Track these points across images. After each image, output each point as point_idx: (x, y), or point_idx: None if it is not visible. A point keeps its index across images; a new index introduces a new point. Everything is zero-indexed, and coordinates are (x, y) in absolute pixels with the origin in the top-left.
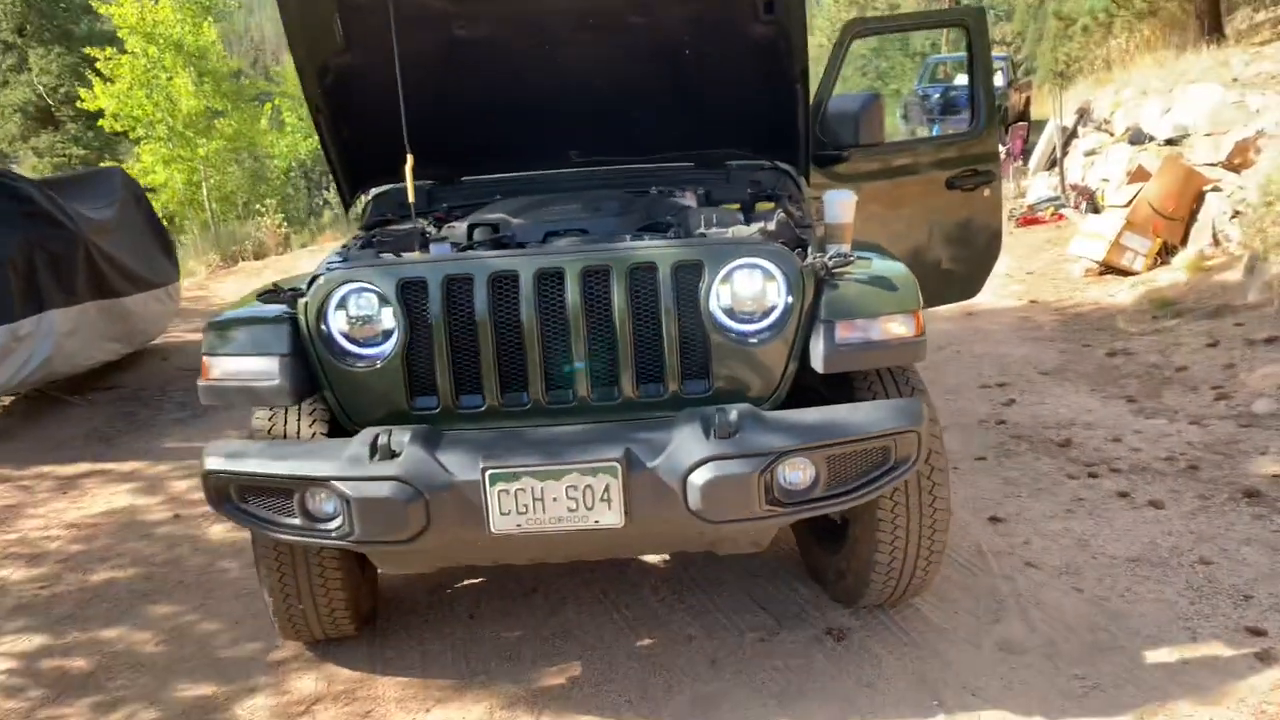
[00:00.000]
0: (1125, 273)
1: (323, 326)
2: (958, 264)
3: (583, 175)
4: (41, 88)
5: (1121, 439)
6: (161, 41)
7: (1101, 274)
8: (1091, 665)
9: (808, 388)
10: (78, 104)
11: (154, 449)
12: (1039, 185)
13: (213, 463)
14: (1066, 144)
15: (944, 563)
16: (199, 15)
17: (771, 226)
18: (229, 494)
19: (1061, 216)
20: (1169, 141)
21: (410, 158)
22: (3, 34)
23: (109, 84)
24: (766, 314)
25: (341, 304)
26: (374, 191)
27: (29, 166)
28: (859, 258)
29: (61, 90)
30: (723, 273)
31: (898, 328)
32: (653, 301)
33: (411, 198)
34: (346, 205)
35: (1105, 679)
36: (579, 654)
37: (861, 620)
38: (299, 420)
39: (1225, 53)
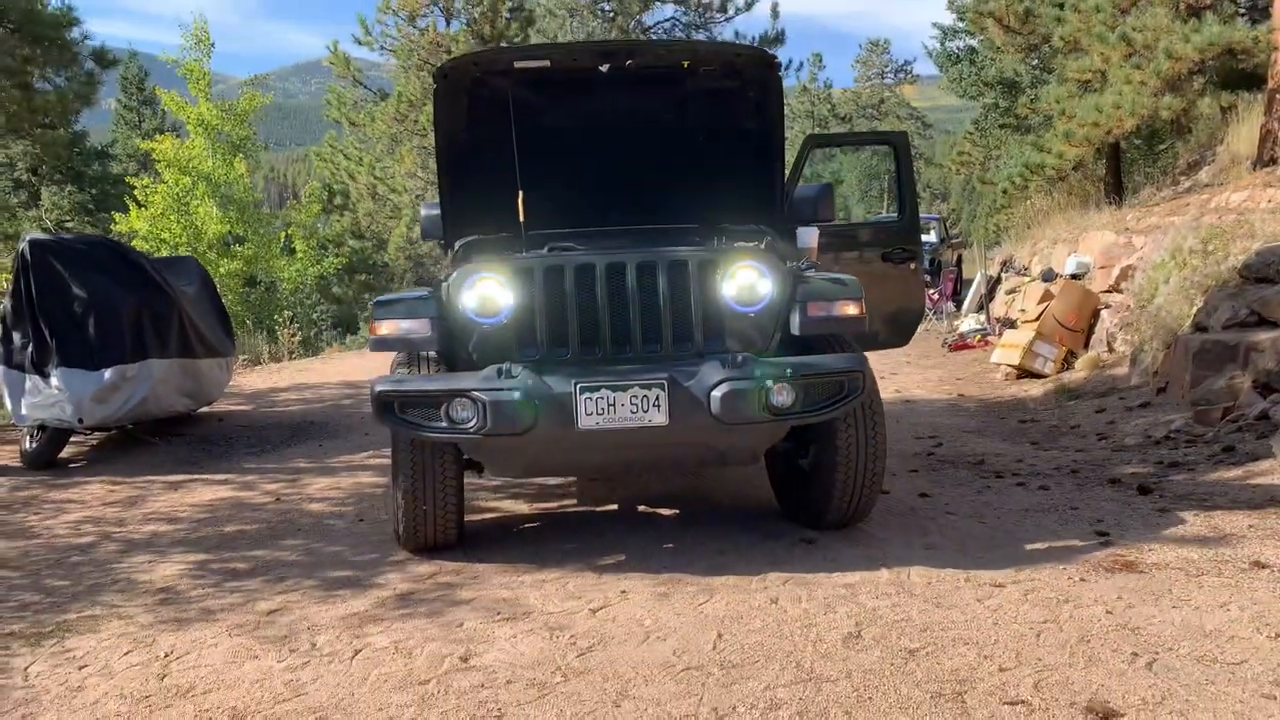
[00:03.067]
0: (1037, 375)
1: (459, 302)
2: (895, 318)
3: (616, 232)
4: (49, 223)
5: (1023, 460)
6: (194, 173)
7: (1018, 378)
8: (987, 552)
9: (790, 350)
10: (111, 227)
11: (237, 468)
12: (969, 322)
13: (383, 386)
14: (992, 290)
15: (883, 514)
16: (230, 152)
17: (763, 246)
18: (393, 408)
19: (988, 343)
20: (1074, 276)
21: (521, 193)
22: (18, 172)
23: (143, 209)
24: (760, 299)
25: (472, 286)
26: (465, 240)
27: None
28: (821, 271)
29: (69, 225)
30: (732, 270)
31: (849, 309)
32: (684, 287)
33: (522, 217)
34: (446, 249)
35: (996, 556)
36: (623, 550)
37: (826, 535)
38: (430, 366)
39: (1122, 212)
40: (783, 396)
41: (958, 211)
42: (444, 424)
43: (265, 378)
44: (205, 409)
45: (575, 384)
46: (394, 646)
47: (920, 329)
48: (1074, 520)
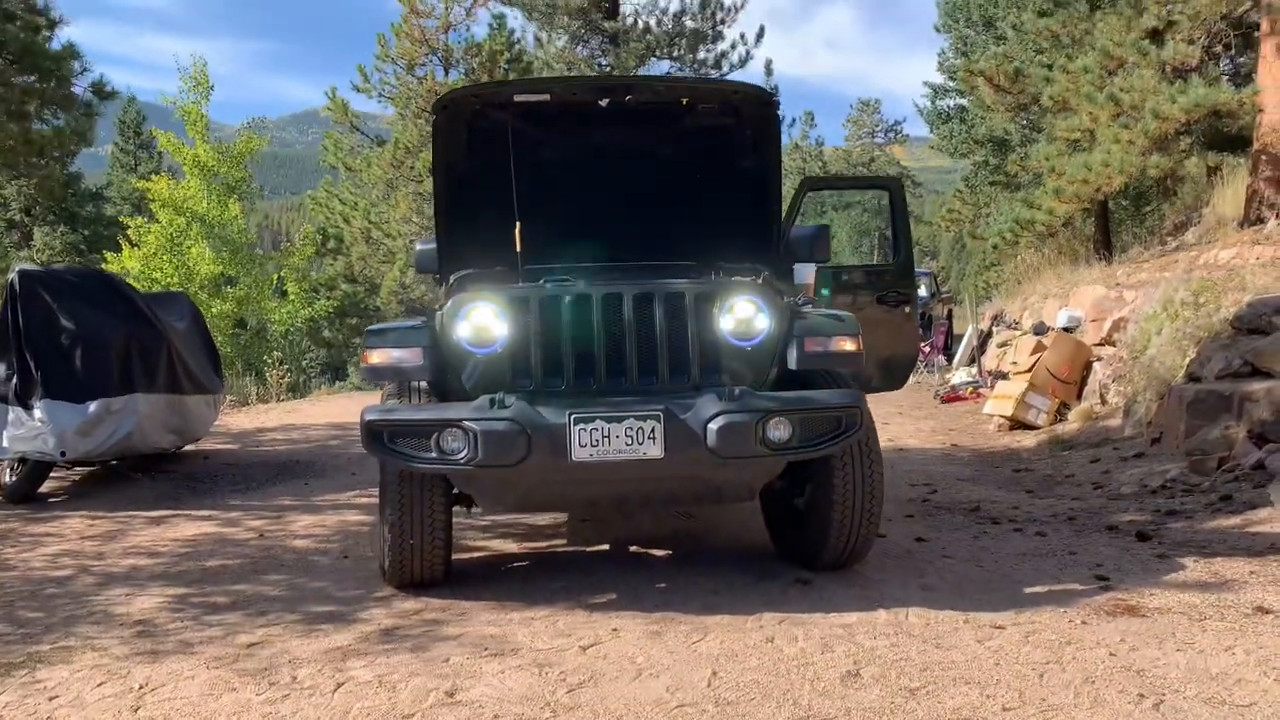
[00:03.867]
0: (1029, 427)
1: (453, 331)
2: (887, 361)
3: (615, 269)
4: (40, 262)
5: (1019, 507)
6: (189, 214)
7: (1011, 429)
8: (986, 595)
9: (787, 385)
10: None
11: (221, 504)
12: (960, 375)
13: (372, 414)
14: (983, 344)
15: (880, 557)
16: (225, 194)
17: (760, 281)
18: (382, 436)
19: (980, 395)
20: (1065, 329)
21: (518, 224)
22: (11, 213)
23: (135, 248)
24: (758, 333)
25: (466, 316)
26: (459, 274)
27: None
28: (817, 309)
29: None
30: (729, 304)
31: (846, 344)
32: (681, 319)
33: (519, 248)
34: (440, 282)
35: (995, 599)
36: (613, 590)
37: (821, 576)
38: (420, 397)
39: (1112, 269)
40: (780, 431)
41: (947, 269)
42: (434, 455)
43: (253, 418)
44: (191, 446)
45: (569, 414)
46: (377, 681)
47: (911, 380)
48: (1073, 565)
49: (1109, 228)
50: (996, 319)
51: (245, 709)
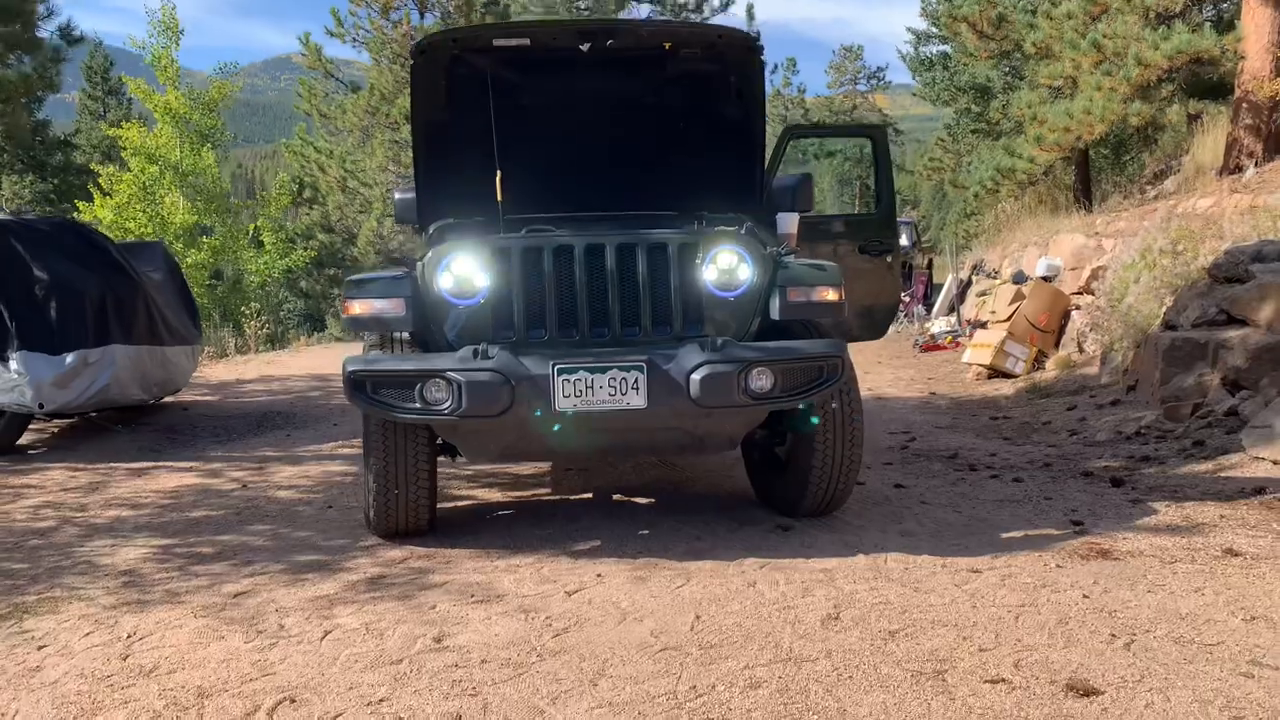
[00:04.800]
0: (1008, 375)
1: (435, 281)
2: (870, 310)
3: (592, 219)
4: (9, 211)
5: (996, 455)
6: (161, 162)
7: (989, 377)
8: (964, 540)
9: (770, 335)
10: (75, 214)
11: (202, 456)
12: (940, 324)
13: (354, 364)
14: (963, 293)
15: (859, 504)
16: (198, 142)
17: (743, 230)
18: (365, 387)
19: (959, 344)
20: (1044, 278)
21: (499, 173)
22: None
23: (108, 198)
24: (740, 284)
25: (448, 266)
26: (438, 224)
27: None
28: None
29: (29, 215)
30: (712, 254)
31: (829, 294)
32: (664, 270)
33: (500, 196)
34: (420, 232)
35: (972, 543)
36: (597, 536)
37: (802, 522)
38: (402, 347)
39: (1092, 216)
40: (762, 381)
41: (928, 218)
42: (418, 405)
43: (232, 369)
44: (170, 398)
45: (553, 365)
46: (365, 628)
47: (890, 330)
48: (1048, 510)
49: (1089, 176)
50: (976, 268)
51: (234, 656)
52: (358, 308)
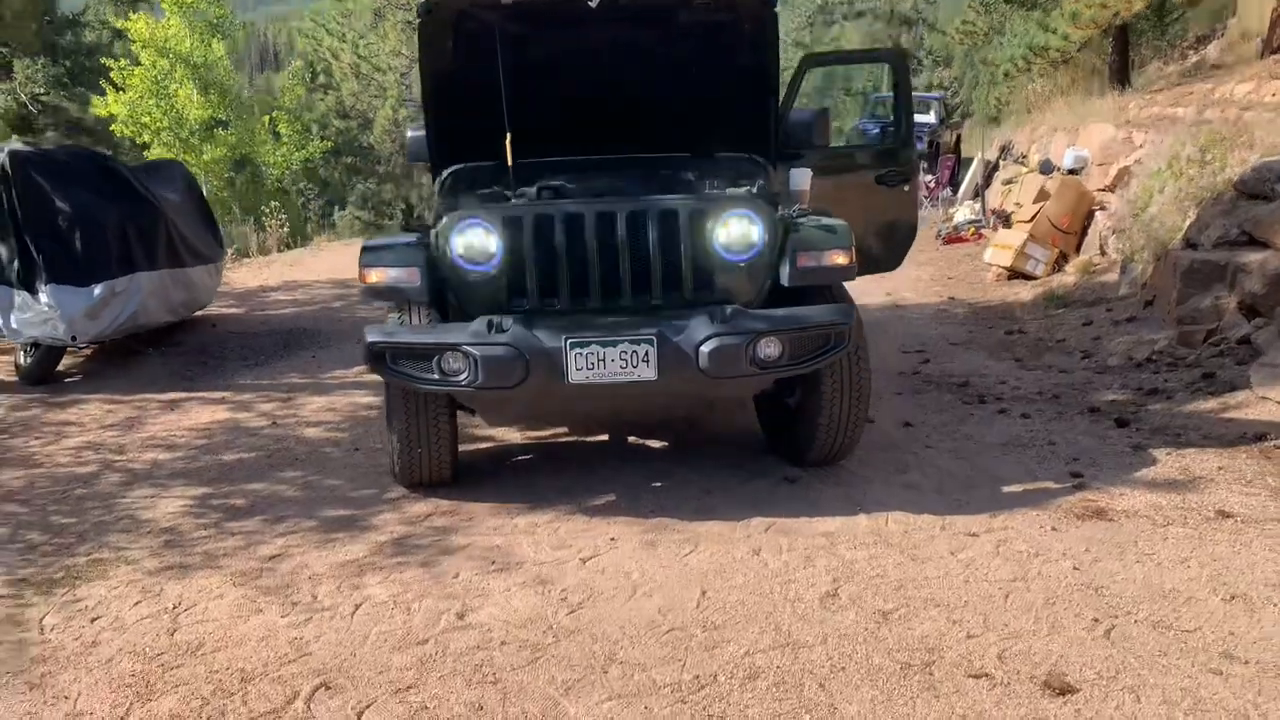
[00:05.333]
0: (1028, 277)
1: (448, 249)
2: (886, 242)
3: (608, 161)
4: (25, 96)
5: (1006, 382)
6: (171, 55)
7: (1010, 279)
8: (965, 494)
9: (780, 296)
10: (90, 110)
11: (232, 384)
12: (964, 211)
13: (374, 336)
14: (989, 176)
15: (866, 448)
16: (207, 33)
17: (754, 190)
18: (385, 358)
19: (981, 236)
20: (1071, 171)
21: (509, 135)
22: None
23: (121, 93)
24: (751, 248)
25: (461, 233)
26: (452, 168)
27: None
28: (812, 215)
29: (43, 99)
30: (723, 218)
31: (839, 258)
32: (674, 236)
33: (510, 160)
34: (435, 176)
35: (973, 499)
36: (611, 490)
37: (809, 473)
38: (421, 315)
39: (1125, 99)
40: (769, 349)
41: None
42: (436, 376)
43: (255, 273)
44: (199, 312)
45: (565, 339)
46: (392, 600)
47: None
48: (1050, 458)
49: (1128, 50)
50: (1004, 151)
51: (272, 634)
52: (374, 276)
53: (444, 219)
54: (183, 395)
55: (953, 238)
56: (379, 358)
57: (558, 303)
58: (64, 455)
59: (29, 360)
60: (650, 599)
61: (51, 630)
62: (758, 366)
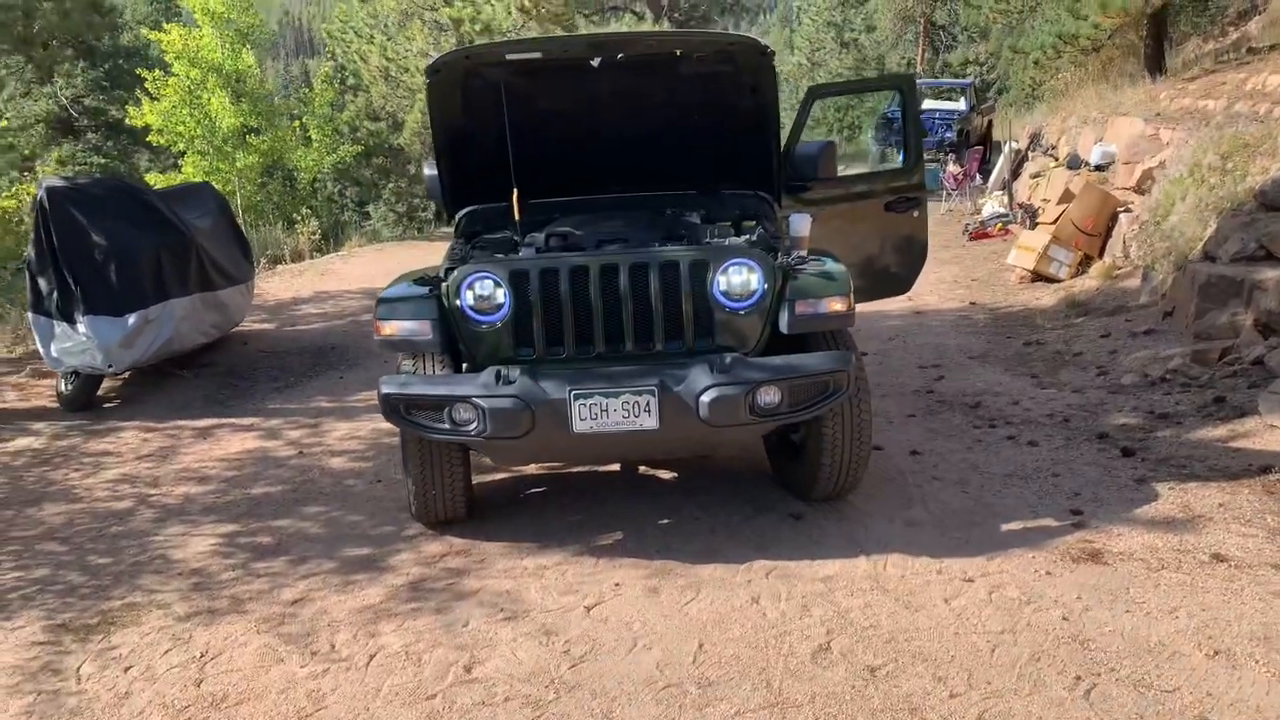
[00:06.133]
0: (1051, 280)
1: (458, 302)
2: (896, 267)
3: (617, 200)
4: (65, 100)
5: (1019, 403)
6: (203, 65)
7: (1033, 281)
8: (965, 532)
9: (780, 343)
10: (125, 119)
11: (262, 409)
12: (991, 204)
13: (389, 389)
14: (1018, 167)
15: (873, 479)
16: (237, 42)
17: (754, 238)
18: (399, 408)
19: (1009, 231)
20: (1098, 168)
21: (515, 190)
22: (32, 48)
23: (155, 102)
24: (750, 296)
25: (470, 286)
26: (467, 210)
27: (50, 174)
28: (813, 260)
29: (83, 102)
30: (722, 268)
31: (837, 305)
32: (676, 287)
33: (517, 215)
34: (450, 219)
35: (973, 538)
36: (620, 527)
37: (814, 508)
38: (433, 364)
39: (1157, 88)
40: (769, 398)
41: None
42: (447, 426)
43: (287, 284)
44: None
45: (569, 390)
46: (405, 651)
47: (943, 209)
48: (1053, 492)
49: (1161, 35)
50: (1033, 141)
51: (292, 684)
52: (388, 329)
53: (454, 272)
54: (215, 421)
55: (979, 233)
56: (394, 408)
57: (563, 351)
58: (102, 489)
59: (69, 388)
60: (649, 652)
61: (87, 680)
62: (758, 415)
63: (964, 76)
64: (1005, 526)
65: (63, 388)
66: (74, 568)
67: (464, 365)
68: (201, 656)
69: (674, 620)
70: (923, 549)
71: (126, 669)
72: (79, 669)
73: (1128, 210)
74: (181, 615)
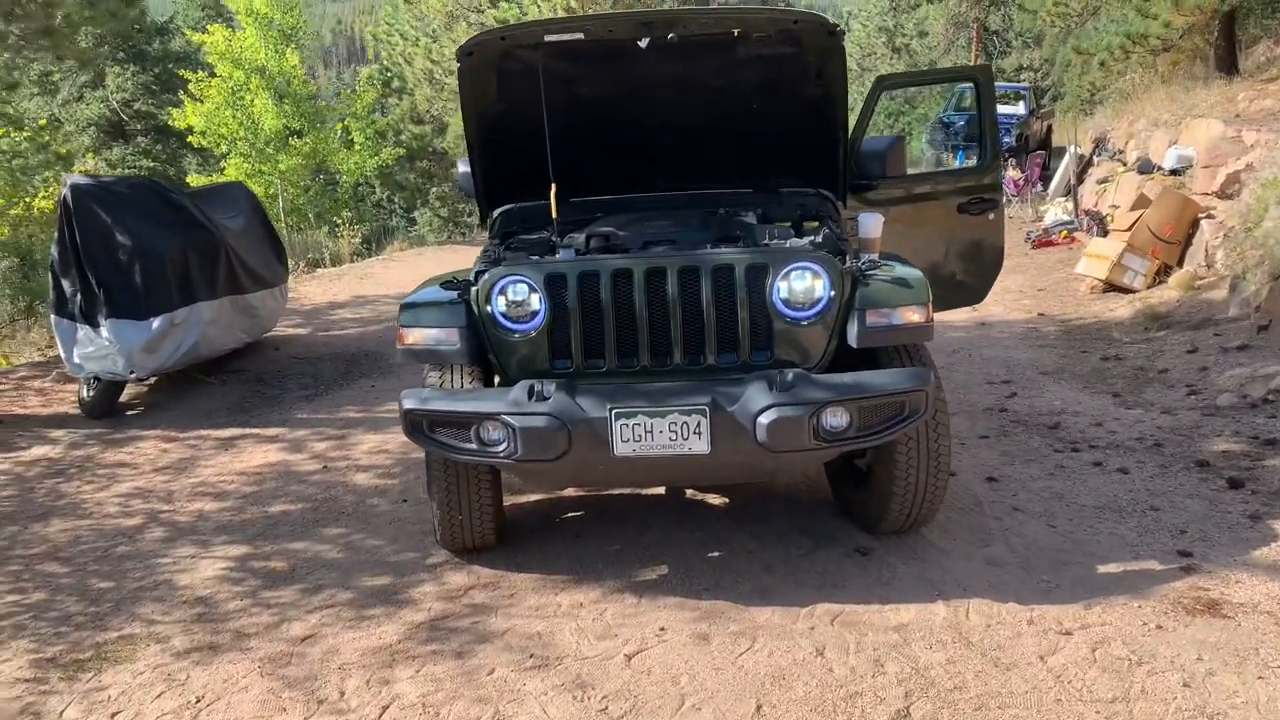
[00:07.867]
0: (1125, 290)
1: (488, 308)
2: (968, 275)
3: (665, 198)
4: (116, 103)
5: (1103, 424)
6: (247, 66)
7: (1105, 291)
8: (1055, 574)
9: (848, 357)
10: (168, 121)
11: (289, 419)
12: (1054, 212)
13: (410, 404)
14: (1083, 172)
15: (946, 509)
16: (281, 43)
17: (819, 239)
18: (422, 426)
19: (1074, 239)
20: (1173, 172)
21: (554, 185)
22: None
23: (199, 104)
24: (814, 304)
25: (502, 291)
26: (502, 209)
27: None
28: (884, 264)
29: (134, 106)
30: (783, 273)
31: (913, 315)
32: (730, 293)
33: (555, 214)
34: (483, 218)
35: (1065, 582)
36: (665, 559)
37: (882, 543)
38: (462, 377)
39: (1233, 88)
40: (835, 420)
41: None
42: (474, 446)
43: (325, 288)
44: (266, 335)
45: (610, 409)
46: (421, 703)
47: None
48: (1154, 528)
49: (1234, 35)
50: (1098, 145)
51: None
52: (412, 337)
53: (484, 276)
54: (238, 432)
55: (1043, 241)
56: (416, 426)
57: (604, 364)
58: (113, 504)
59: (91, 394)
60: (699, 713)
61: None
62: (822, 439)
63: (1017, 82)
64: (1102, 568)
65: (84, 394)
66: (73, 592)
67: (495, 378)
68: (196, 702)
69: (726, 674)
70: (1009, 594)
71: (113, 715)
72: (62, 713)
73: (1210, 216)
74: (180, 651)
